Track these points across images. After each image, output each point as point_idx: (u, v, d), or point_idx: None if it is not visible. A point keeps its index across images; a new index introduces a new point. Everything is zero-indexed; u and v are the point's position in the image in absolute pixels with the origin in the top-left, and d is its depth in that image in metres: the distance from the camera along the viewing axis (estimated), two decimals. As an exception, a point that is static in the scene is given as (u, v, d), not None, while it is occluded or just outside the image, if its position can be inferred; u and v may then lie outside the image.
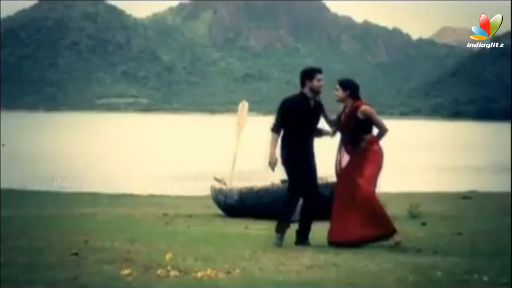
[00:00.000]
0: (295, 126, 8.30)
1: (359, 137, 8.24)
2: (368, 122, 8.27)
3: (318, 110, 8.39)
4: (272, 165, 8.32)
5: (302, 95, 8.36)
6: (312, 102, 8.34)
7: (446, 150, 51.44)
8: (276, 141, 8.35)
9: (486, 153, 49.72)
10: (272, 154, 8.27)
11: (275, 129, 8.34)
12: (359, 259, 7.08)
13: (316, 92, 8.34)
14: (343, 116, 8.35)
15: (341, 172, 8.37)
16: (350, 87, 8.35)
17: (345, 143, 8.35)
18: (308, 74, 8.35)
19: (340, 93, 8.35)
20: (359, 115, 8.25)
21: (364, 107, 8.27)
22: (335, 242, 8.17)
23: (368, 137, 8.25)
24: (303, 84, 8.37)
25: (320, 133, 8.56)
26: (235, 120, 13.89)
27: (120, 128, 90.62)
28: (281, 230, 8.40)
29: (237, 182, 13.43)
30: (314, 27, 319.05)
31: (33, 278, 5.87)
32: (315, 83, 8.29)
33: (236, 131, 13.73)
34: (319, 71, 8.37)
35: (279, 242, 8.29)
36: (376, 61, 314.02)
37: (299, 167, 8.33)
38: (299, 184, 8.39)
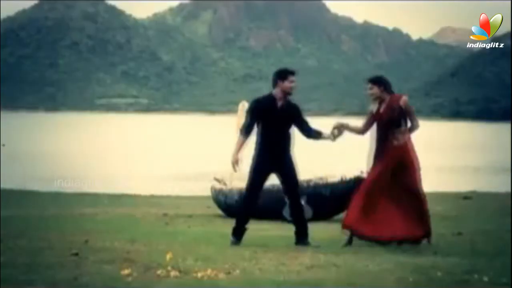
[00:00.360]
0: (263, 127, 8.30)
1: (397, 130, 8.21)
2: (405, 115, 8.28)
3: (287, 113, 8.31)
4: (233, 164, 8.36)
5: (269, 96, 8.37)
6: (280, 103, 8.30)
7: (446, 150, 51.43)
8: (241, 143, 8.36)
9: (486, 153, 49.72)
10: (233, 154, 8.33)
11: (242, 130, 8.38)
12: (359, 259, 7.08)
13: (287, 93, 8.32)
14: (382, 110, 8.29)
15: (382, 168, 8.26)
16: (384, 83, 8.41)
17: (384, 137, 8.27)
18: (281, 75, 8.35)
19: (375, 90, 8.36)
20: (402, 104, 8.26)
21: (405, 98, 8.36)
22: (367, 237, 8.16)
23: (405, 129, 8.26)
24: (274, 85, 8.36)
25: (320, 134, 8.52)
26: (235, 121, 13.89)
27: (120, 128, 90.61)
28: (235, 233, 8.43)
29: (237, 183, 13.43)
30: (314, 27, 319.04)
31: (33, 278, 5.87)
32: (286, 84, 8.29)
33: (236, 132, 13.72)
34: (292, 73, 8.39)
35: (237, 244, 8.32)
36: (376, 61, 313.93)
37: (260, 171, 8.33)
38: (253, 189, 8.39)
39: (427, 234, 8.27)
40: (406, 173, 8.22)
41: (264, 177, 8.39)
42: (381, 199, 8.17)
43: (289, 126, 8.36)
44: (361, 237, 8.20)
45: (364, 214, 8.15)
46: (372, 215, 8.15)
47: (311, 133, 8.49)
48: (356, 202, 8.25)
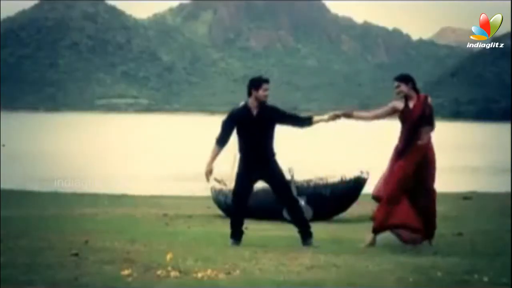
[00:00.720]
0: (240, 137, 8.37)
1: (425, 129, 8.22)
2: (432, 114, 8.34)
3: (265, 118, 8.32)
4: (206, 174, 8.41)
5: (245, 106, 8.43)
6: (255, 111, 8.33)
7: (446, 151, 51.36)
8: (215, 152, 8.40)
9: (486, 153, 49.74)
10: (207, 164, 8.36)
11: (217, 141, 8.42)
12: (359, 259, 7.08)
13: (261, 101, 8.35)
14: (413, 107, 8.28)
15: (407, 167, 8.22)
16: (410, 80, 8.41)
17: (413, 135, 8.26)
18: (255, 84, 8.40)
19: (403, 87, 8.34)
20: (430, 103, 8.32)
21: (430, 98, 8.40)
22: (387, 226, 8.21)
23: (430, 128, 8.27)
24: (249, 94, 8.42)
25: (310, 120, 8.47)
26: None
27: (120, 128, 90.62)
28: (233, 236, 8.48)
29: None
30: (314, 28, 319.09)
31: (34, 278, 5.87)
32: (260, 92, 8.33)
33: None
34: (266, 81, 8.43)
35: (237, 245, 8.35)
36: (376, 61, 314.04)
37: (243, 179, 8.37)
38: (239, 196, 8.45)
39: (431, 234, 8.28)
40: (426, 171, 8.23)
41: (248, 184, 8.43)
42: (403, 197, 8.22)
43: (270, 131, 8.37)
44: (385, 228, 8.26)
45: (389, 214, 8.22)
46: (393, 212, 8.21)
47: (304, 123, 8.48)
48: (382, 206, 8.27)
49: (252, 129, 8.30)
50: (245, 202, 8.42)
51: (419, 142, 8.21)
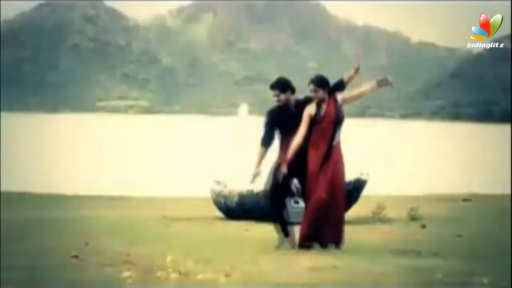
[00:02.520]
0: (282, 134, 8.37)
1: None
2: None
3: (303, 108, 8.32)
4: (253, 176, 8.40)
5: (280, 105, 8.43)
6: (292, 108, 8.40)
7: (446, 152, 51.40)
8: (262, 154, 8.40)
9: (486, 155, 49.70)
10: (255, 166, 8.36)
11: (262, 142, 8.43)
12: (359, 261, 7.08)
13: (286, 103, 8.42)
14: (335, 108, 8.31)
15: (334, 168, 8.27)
16: (327, 84, 8.41)
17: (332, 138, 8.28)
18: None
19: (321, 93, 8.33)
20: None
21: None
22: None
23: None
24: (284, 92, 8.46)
25: (343, 84, 8.46)
26: (236, 123, 13.92)
27: (120, 130, 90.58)
28: (282, 232, 8.43)
29: (237, 185, 13.43)
30: (315, 30, 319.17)
31: (34, 281, 5.87)
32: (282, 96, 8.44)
33: (237, 133, 13.75)
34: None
35: (292, 244, 8.28)
36: (377, 63, 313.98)
37: (281, 176, 8.33)
38: (275, 193, 8.40)
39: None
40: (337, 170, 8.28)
41: (287, 181, 8.40)
42: None
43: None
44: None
45: None
46: None
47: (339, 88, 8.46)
48: None
49: (293, 124, 8.27)
50: (284, 198, 8.41)
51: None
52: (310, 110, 8.20)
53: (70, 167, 32.44)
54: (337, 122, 8.19)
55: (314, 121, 8.13)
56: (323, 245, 7.98)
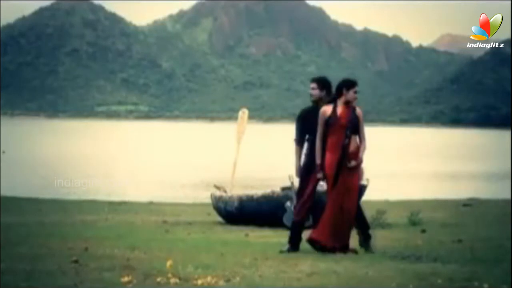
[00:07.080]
0: (313, 134, 8.38)
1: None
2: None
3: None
4: (298, 173, 8.62)
5: (315, 104, 8.53)
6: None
7: (446, 157, 51.42)
8: (299, 152, 8.54)
9: (486, 160, 49.73)
10: (296, 163, 8.56)
11: (296, 141, 8.57)
12: (359, 266, 7.08)
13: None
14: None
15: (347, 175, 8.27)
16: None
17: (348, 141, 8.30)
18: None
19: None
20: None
21: None
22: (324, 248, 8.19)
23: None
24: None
25: None
26: (235, 128, 13.91)
27: (120, 135, 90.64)
28: (291, 241, 8.54)
29: (237, 190, 13.44)
30: (315, 35, 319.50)
31: (34, 285, 5.86)
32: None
33: (236, 139, 13.75)
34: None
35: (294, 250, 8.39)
36: (377, 68, 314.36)
37: (308, 177, 8.48)
38: (303, 194, 8.55)
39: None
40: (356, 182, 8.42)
41: (312, 183, 8.52)
42: None
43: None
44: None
45: None
46: None
47: None
48: None
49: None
50: (311, 203, 8.57)
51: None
52: (325, 109, 8.25)
53: (70, 172, 32.44)
54: (349, 128, 8.15)
55: (328, 123, 8.17)
56: (343, 250, 8.12)
